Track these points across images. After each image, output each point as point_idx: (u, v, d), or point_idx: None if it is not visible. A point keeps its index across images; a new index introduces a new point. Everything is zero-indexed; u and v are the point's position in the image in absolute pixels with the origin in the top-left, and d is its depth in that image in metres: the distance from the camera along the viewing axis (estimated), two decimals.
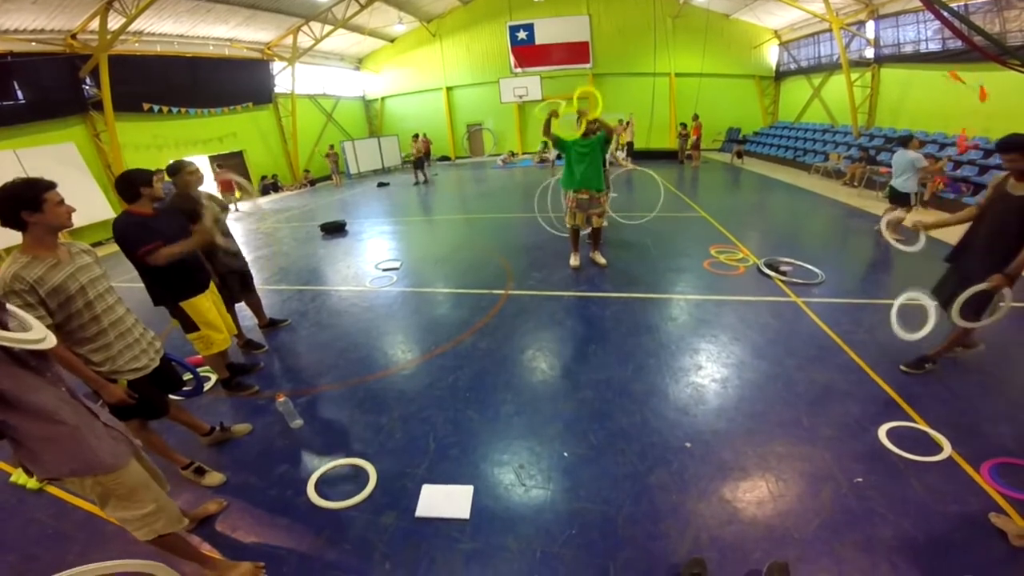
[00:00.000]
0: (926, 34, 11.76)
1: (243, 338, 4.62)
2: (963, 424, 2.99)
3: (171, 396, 2.88)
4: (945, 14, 7.36)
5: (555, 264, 6.52)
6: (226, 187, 12.80)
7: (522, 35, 20.01)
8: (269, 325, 5.01)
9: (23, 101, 10.33)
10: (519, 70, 20.43)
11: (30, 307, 1.98)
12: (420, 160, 16.05)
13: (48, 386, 1.70)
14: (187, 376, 3.20)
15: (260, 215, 12.82)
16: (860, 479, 2.60)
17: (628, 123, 17.14)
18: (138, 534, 1.96)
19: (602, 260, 6.30)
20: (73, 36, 10.94)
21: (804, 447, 2.90)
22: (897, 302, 3.45)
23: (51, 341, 1.61)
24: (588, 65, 20.21)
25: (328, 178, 19.05)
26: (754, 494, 2.58)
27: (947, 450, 2.75)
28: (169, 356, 2.80)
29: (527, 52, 20.19)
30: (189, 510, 2.58)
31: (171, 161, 3.91)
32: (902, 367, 3.60)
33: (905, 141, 6.83)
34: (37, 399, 1.64)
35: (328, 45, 18.42)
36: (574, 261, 6.29)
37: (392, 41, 21.86)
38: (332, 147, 18.62)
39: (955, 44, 10.39)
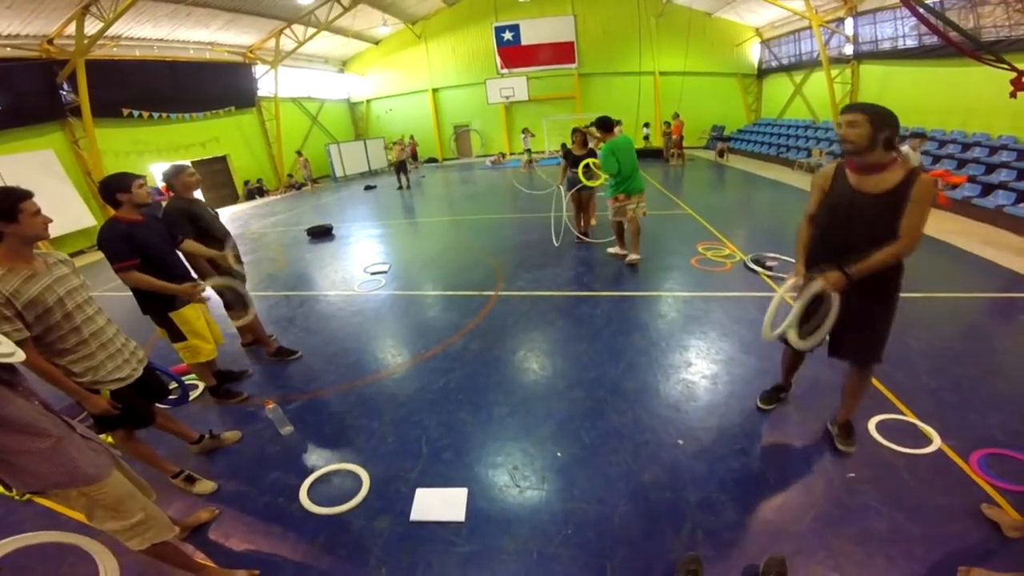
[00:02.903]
0: (903, 30, 11.99)
1: (247, 337, 4.58)
2: (950, 416, 3.02)
3: (158, 405, 2.84)
4: (921, 10, 7.49)
5: (545, 264, 6.53)
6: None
7: (508, 36, 20.08)
8: (251, 344, 4.72)
9: None
10: (505, 71, 20.49)
11: (7, 320, 1.93)
12: (401, 164, 15.57)
13: (22, 399, 1.67)
14: (172, 385, 3.15)
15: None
16: (852, 474, 2.62)
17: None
18: (130, 544, 1.94)
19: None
20: (50, 41, 10.76)
21: (795, 441, 2.93)
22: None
23: (20, 356, 1.60)
24: (574, 65, 20.33)
25: (314, 181, 18.72)
26: (748, 490, 2.59)
27: (936, 442, 2.79)
28: (153, 365, 2.75)
29: (513, 53, 20.25)
30: (181, 519, 2.54)
31: (169, 165, 3.87)
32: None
33: (917, 135, 6.68)
34: (14, 412, 1.61)
35: (311, 48, 18.30)
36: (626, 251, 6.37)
37: (377, 43, 21.79)
38: (300, 153, 18.10)
39: (932, 40, 10.59)
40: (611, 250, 6.62)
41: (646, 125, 18.46)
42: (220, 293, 4.01)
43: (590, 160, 6.63)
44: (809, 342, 2.53)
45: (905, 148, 6.61)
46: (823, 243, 2.48)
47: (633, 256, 6.15)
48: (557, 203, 7.56)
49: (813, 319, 2.47)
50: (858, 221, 2.29)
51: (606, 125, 5.84)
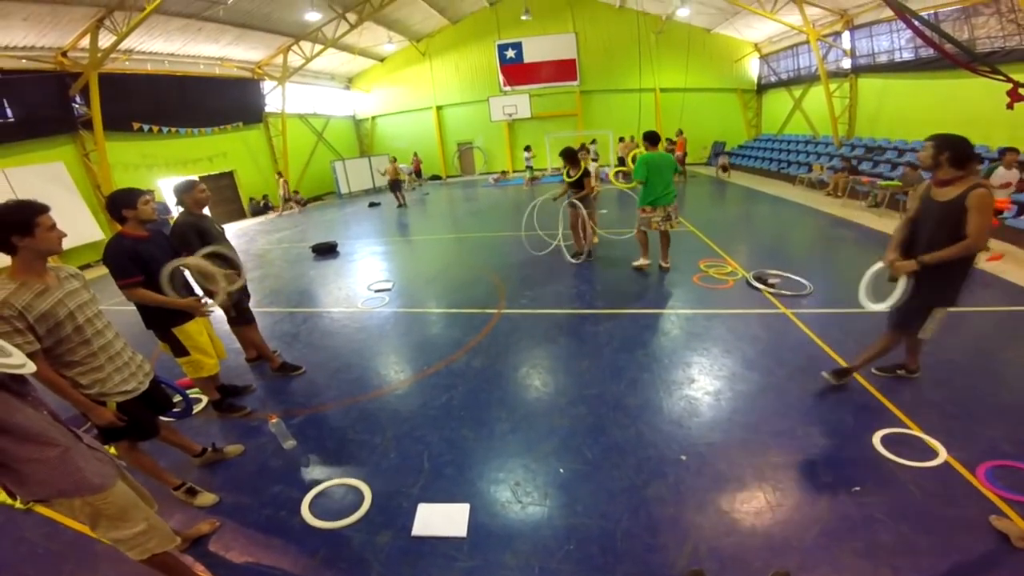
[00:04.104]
0: (899, 43, 12.11)
1: (251, 352, 4.59)
2: (956, 428, 3.02)
3: (162, 418, 2.85)
4: (916, 23, 7.57)
5: (547, 282, 6.55)
6: None
7: (510, 53, 20.39)
8: (255, 359, 4.73)
9: (12, 119, 10.28)
10: (508, 88, 20.76)
11: (19, 333, 1.96)
12: (396, 183, 15.56)
13: (31, 409, 1.70)
14: (177, 398, 3.17)
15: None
16: (858, 488, 2.61)
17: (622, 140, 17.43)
18: (131, 554, 1.94)
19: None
20: (63, 54, 10.95)
21: (799, 456, 2.91)
22: (869, 272, 3.27)
23: (30, 367, 1.62)
24: (575, 82, 20.58)
25: (318, 198, 18.25)
26: (752, 504, 2.58)
27: (942, 455, 2.78)
28: (159, 379, 2.77)
29: (516, 70, 20.53)
30: (182, 530, 2.54)
31: (179, 180, 3.88)
32: (826, 375, 3.59)
33: (1008, 155, 6.49)
34: (23, 422, 1.63)
35: (318, 64, 18.56)
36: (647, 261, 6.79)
37: (382, 60, 22.10)
38: (280, 174, 17.53)
39: (927, 53, 10.69)
40: (636, 263, 6.79)
41: (668, 140, 18.47)
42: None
43: (622, 168, 7.02)
44: (877, 306, 3.18)
45: (998, 169, 6.50)
46: (912, 239, 3.08)
47: (663, 264, 6.66)
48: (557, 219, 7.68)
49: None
50: (931, 223, 2.92)
51: (653, 139, 6.34)
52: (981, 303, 4.99)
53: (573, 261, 7.27)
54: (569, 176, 7.06)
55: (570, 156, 6.97)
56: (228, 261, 3.90)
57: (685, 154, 16.48)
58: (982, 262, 6.30)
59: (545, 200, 7.77)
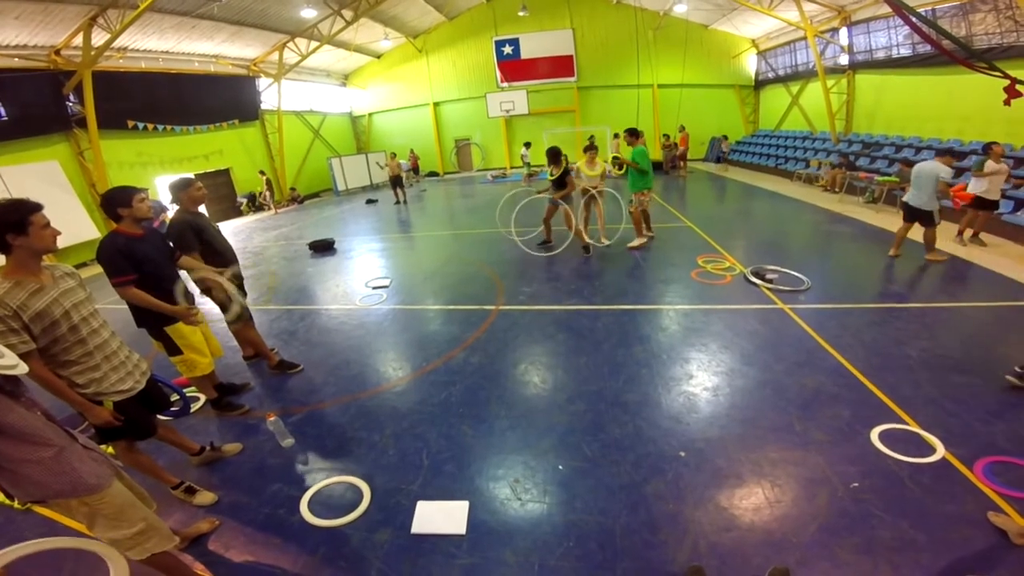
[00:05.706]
0: (897, 39, 12.11)
1: (248, 350, 4.57)
2: (954, 424, 3.03)
3: (159, 417, 2.84)
4: (914, 19, 7.57)
5: (545, 278, 6.55)
6: None
7: (508, 50, 20.31)
8: (253, 357, 4.70)
9: (5, 118, 10.19)
10: (505, 84, 20.67)
11: (14, 332, 1.95)
12: (396, 179, 15.60)
13: (24, 409, 1.69)
14: (174, 397, 3.16)
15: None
16: (856, 484, 2.62)
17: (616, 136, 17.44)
18: (130, 553, 1.94)
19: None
20: (57, 52, 10.86)
21: (797, 452, 2.92)
22: None
23: (22, 368, 1.62)
24: (573, 79, 20.51)
25: (315, 195, 18.16)
26: (750, 500, 2.59)
27: (940, 451, 2.79)
28: (156, 377, 2.76)
29: (513, 66, 20.46)
30: (181, 529, 2.54)
31: (176, 177, 3.87)
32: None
33: (993, 148, 6.57)
34: (16, 421, 1.63)
35: (314, 61, 18.45)
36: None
37: (378, 57, 21.99)
38: (263, 172, 17.04)
39: (925, 49, 10.71)
40: (632, 244, 7.64)
41: (665, 135, 18.59)
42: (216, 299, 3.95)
43: (616, 155, 8.21)
44: None
45: (988, 162, 6.60)
46: None
47: (648, 233, 8.06)
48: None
49: None
50: None
51: (636, 133, 7.44)
52: (978, 298, 5.00)
53: (533, 250, 7.70)
54: (552, 175, 7.34)
55: (554, 156, 7.23)
56: (223, 259, 3.91)
57: (687, 149, 16.45)
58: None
59: (525, 194, 8.19)
